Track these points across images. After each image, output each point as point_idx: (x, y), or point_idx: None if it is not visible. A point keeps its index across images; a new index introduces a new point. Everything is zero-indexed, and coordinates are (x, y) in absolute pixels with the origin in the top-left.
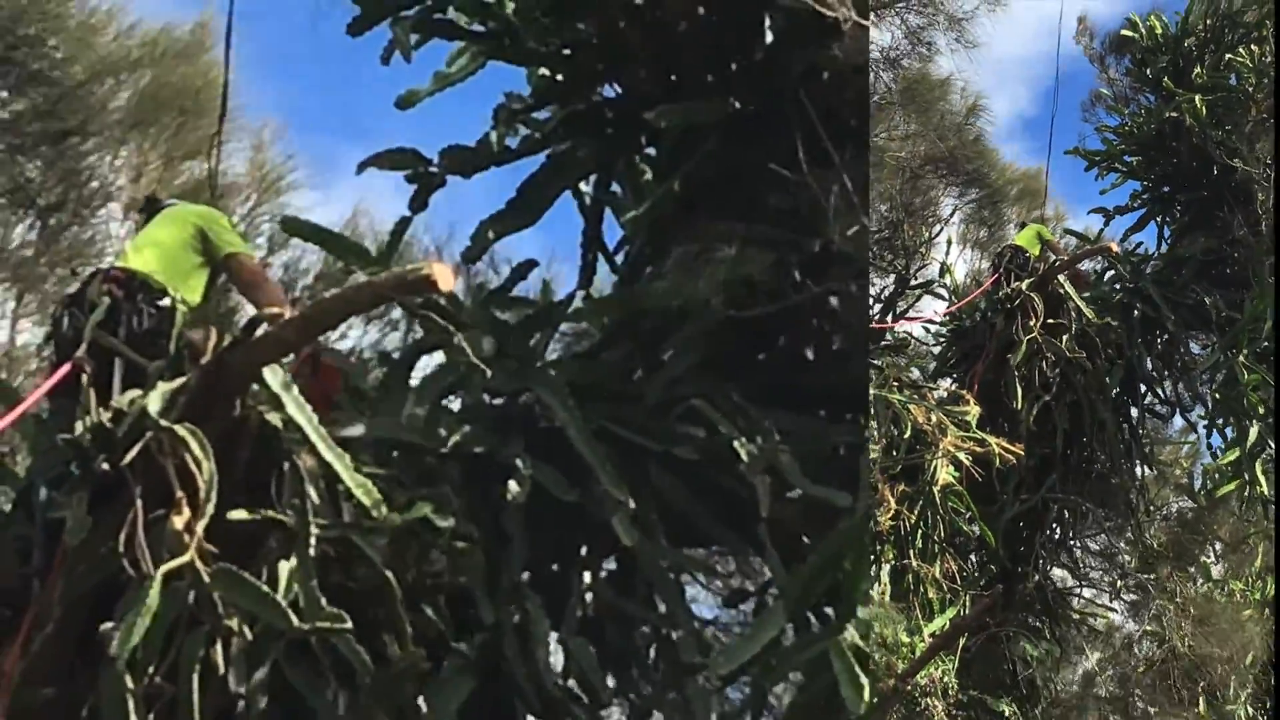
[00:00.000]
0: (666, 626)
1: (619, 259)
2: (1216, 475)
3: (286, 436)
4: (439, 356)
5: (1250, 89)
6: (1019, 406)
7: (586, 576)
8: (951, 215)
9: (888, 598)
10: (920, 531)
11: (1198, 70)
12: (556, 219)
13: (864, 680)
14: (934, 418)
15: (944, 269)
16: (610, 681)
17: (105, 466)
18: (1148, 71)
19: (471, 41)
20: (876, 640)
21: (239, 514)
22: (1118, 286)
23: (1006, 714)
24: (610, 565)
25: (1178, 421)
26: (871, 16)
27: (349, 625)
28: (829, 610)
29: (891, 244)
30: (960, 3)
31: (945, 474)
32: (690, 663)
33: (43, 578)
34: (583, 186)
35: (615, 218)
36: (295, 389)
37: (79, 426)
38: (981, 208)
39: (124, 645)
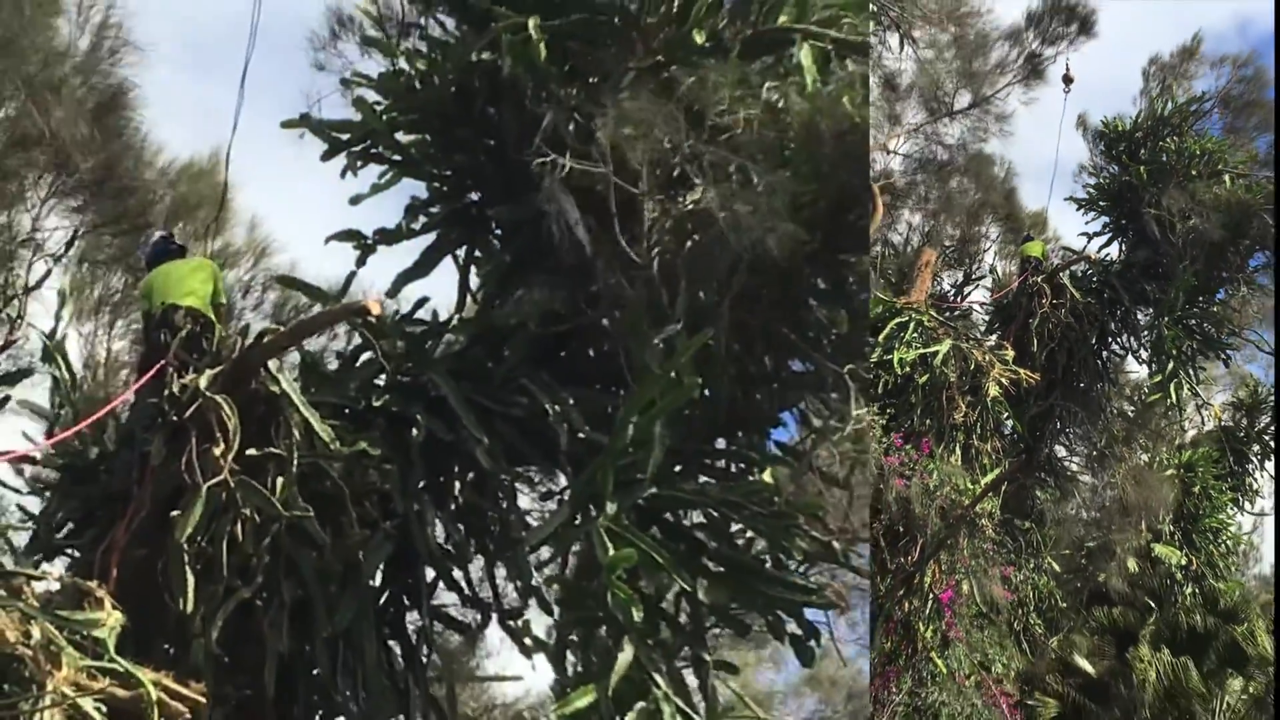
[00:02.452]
0: (505, 514)
1: (480, 296)
2: (1146, 390)
3: (282, 402)
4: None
5: (1174, 163)
6: (1036, 350)
7: (458, 485)
8: (997, 238)
9: (959, 462)
10: (979, 423)
11: (1142, 151)
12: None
13: (609, 545)
14: (987, 357)
15: (991, 270)
16: (471, 547)
17: (174, 418)
18: (1113, 151)
19: (392, 166)
20: (953, 487)
21: (251, 450)
22: (1094, 279)
23: (1026, 528)
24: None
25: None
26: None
27: (312, 514)
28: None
29: (959, 255)
30: (1005, 106)
31: (994, 390)
32: (517, 537)
33: (139, 484)
34: (458, 253)
35: (476, 271)
36: (286, 372)
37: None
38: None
39: (183, 531)
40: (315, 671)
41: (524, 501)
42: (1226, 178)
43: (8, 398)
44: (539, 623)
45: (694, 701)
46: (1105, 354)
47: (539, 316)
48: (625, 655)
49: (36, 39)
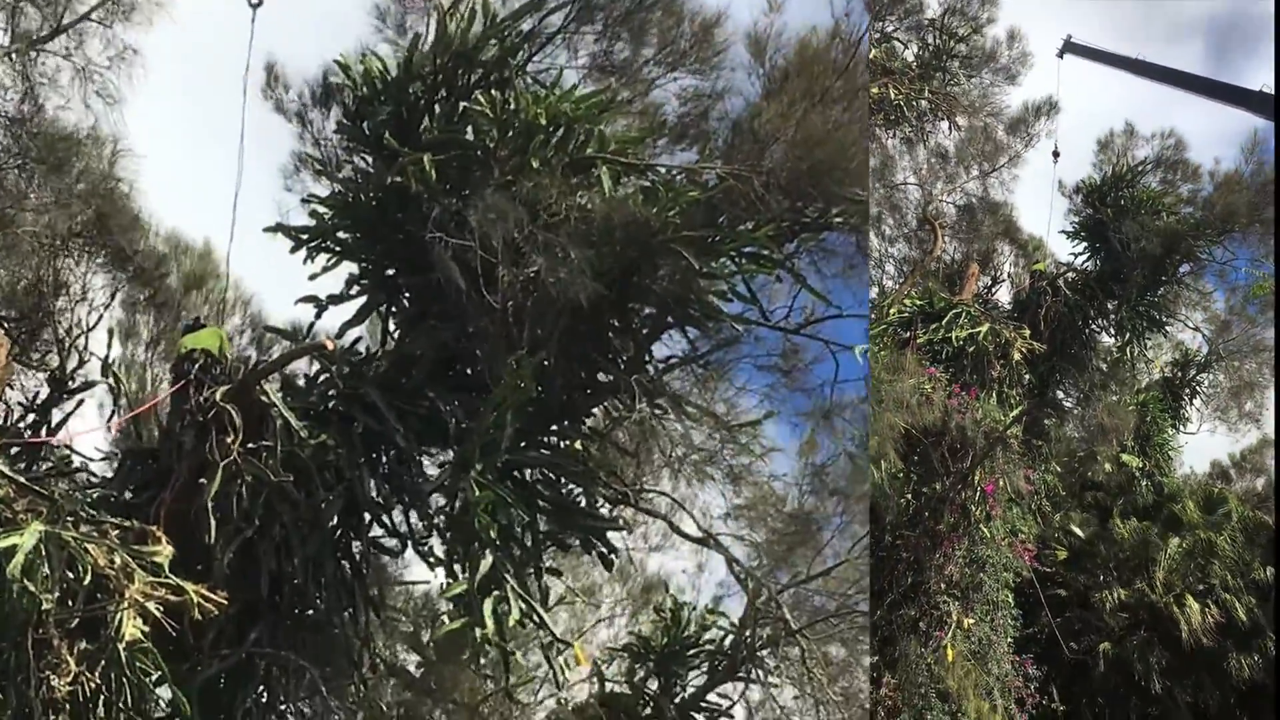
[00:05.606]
0: (415, 476)
1: (396, 336)
2: (1114, 353)
3: (272, 408)
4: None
5: (1128, 206)
6: (1043, 329)
7: (384, 459)
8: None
9: (995, 402)
10: (1008, 377)
11: (1107, 199)
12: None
13: (477, 490)
14: (1012, 334)
15: (1009, 275)
16: (394, 499)
17: (200, 419)
18: (1089, 199)
19: (336, 254)
20: (992, 418)
21: (250, 444)
22: (1079, 283)
23: (1039, 444)
24: (393, 454)
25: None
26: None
27: (291, 479)
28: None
29: (985, 266)
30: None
31: (1017, 355)
32: (424, 490)
33: (178, 462)
34: (381, 309)
35: (393, 319)
36: (276, 386)
37: (191, 404)
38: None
39: (208, 493)
40: (295, 581)
41: (428, 469)
42: (1163, 215)
43: (82, 400)
44: (438, 547)
45: (533, 591)
46: (1087, 331)
47: (434, 348)
48: (486, 562)
49: (78, 162)
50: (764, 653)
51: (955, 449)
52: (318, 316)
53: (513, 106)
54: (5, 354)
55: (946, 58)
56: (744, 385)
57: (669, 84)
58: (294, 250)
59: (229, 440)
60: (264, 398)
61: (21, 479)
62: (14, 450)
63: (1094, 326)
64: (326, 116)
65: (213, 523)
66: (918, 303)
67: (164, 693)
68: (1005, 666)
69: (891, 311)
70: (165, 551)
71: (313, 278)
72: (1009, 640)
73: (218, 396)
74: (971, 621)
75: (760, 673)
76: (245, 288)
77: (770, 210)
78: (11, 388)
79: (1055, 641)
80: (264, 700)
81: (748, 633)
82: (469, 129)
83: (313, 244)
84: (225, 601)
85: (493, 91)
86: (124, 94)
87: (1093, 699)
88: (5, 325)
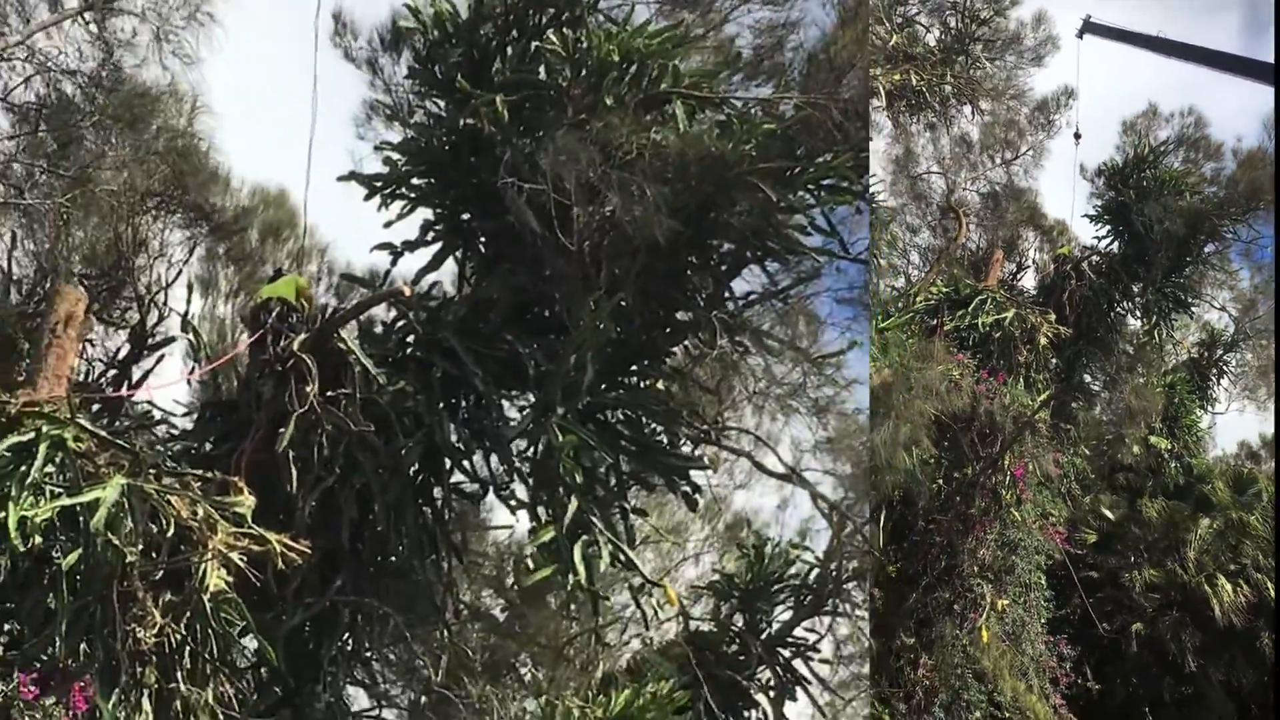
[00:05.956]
0: (495, 420)
1: (472, 280)
2: (1140, 336)
3: (349, 355)
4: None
5: (1151, 187)
6: (1069, 313)
7: (464, 404)
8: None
9: (1023, 387)
10: (1035, 361)
11: (1130, 180)
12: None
13: (560, 435)
14: (1038, 319)
15: (1034, 261)
16: (474, 444)
17: (279, 368)
18: (1111, 181)
19: (410, 201)
20: (1020, 403)
21: (329, 392)
22: (1104, 266)
23: (1067, 428)
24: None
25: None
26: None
27: (371, 428)
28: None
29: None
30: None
31: (1043, 340)
32: (506, 434)
33: (257, 412)
34: (456, 254)
35: (468, 264)
36: (354, 334)
37: (270, 354)
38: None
39: (283, 441)
40: (377, 529)
41: (508, 412)
42: (1186, 194)
43: (163, 355)
44: (520, 491)
45: (620, 533)
46: (1113, 314)
47: (510, 291)
48: (572, 506)
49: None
50: (850, 586)
51: (984, 434)
52: (394, 263)
53: (585, 44)
54: (83, 308)
55: (969, 41)
56: (825, 319)
57: (743, 16)
58: (368, 198)
59: (308, 389)
60: (342, 345)
61: (103, 433)
62: (95, 406)
63: (1119, 309)
64: (396, 62)
65: (294, 472)
66: (944, 290)
67: (249, 642)
68: (1039, 647)
69: (919, 300)
70: (247, 502)
71: (388, 225)
72: (1042, 621)
73: (295, 346)
74: (1005, 603)
75: (847, 606)
76: (321, 236)
77: (850, 139)
78: (93, 344)
79: (1088, 622)
80: (350, 648)
81: (833, 566)
82: (541, 69)
83: (387, 191)
84: (308, 550)
85: (564, 30)
86: (201, 54)
87: (1126, 678)
88: (85, 283)
